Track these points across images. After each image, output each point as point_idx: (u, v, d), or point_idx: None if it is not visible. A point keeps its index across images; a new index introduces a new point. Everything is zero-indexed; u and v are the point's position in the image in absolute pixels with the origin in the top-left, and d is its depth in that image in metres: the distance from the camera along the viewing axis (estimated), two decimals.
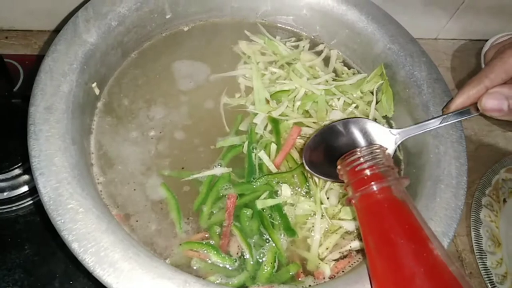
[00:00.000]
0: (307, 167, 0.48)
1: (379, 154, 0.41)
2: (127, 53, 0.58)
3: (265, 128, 0.55)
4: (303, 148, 0.54)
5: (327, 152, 0.48)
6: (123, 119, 0.53)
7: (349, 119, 0.49)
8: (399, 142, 0.48)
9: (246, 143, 0.53)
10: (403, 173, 0.55)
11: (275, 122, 0.55)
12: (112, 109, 0.54)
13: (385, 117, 0.59)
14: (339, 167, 0.44)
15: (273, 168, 0.51)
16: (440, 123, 0.47)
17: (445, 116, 0.47)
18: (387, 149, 0.44)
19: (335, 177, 0.46)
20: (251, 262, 0.45)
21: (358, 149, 0.42)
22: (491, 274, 0.61)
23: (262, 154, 0.52)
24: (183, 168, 0.51)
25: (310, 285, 0.45)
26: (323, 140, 0.48)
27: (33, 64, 0.70)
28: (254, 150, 0.53)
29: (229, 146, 0.53)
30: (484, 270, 0.61)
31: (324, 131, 0.49)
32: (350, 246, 0.48)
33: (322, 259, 0.47)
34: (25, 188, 0.57)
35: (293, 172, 0.51)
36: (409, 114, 0.55)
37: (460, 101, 0.46)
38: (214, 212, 0.48)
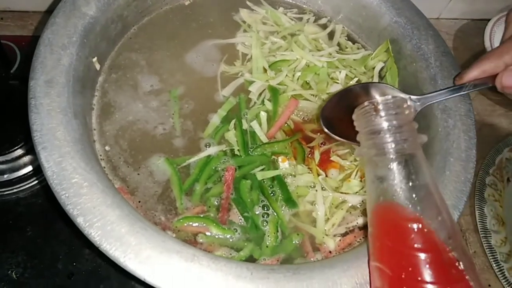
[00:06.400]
0: (324, 128, 0.46)
1: (398, 105, 0.39)
2: (127, 28, 0.56)
3: (257, 98, 0.54)
4: (297, 122, 0.53)
5: (345, 113, 0.46)
6: (123, 93, 0.52)
7: (370, 83, 0.47)
8: (419, 109, 0.46)
9: (233, 121, 0.51)
10: None
11: (274, 91, 0.54)
12: (113, 83, 0.52)
13: None
14: (355, 116, 0.42)
15: (264, 139, 0.50)
16: (456, 93, 0.46)
17: (464, 86, 0.46)
18: (406, 100, 0.41)
19: (352, 139, 0.44)
20: (253, 232, 0.45)
21: (376, 99, 0.40)
22: (496, 252, 0.60)
23: (254, 124, 0.51)
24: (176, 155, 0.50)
25: (318, 259, 0.44)
26: (341, 102, 0.46)
27: (30, 45, 0.68)
28: (245, 116, 0.52)
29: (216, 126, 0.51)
30: (489, 248, 0.61)
31: (343, 93, 0.47)
32: (357, 222, 0.48)
33: (327, 234, 0.47)
34: (26, 170, 0.57)
35: (289, 140, 0.50)
36: (416, 88, 0.55)
37: (475, 73, 0.45)
38: (210, 187, 0.47)
